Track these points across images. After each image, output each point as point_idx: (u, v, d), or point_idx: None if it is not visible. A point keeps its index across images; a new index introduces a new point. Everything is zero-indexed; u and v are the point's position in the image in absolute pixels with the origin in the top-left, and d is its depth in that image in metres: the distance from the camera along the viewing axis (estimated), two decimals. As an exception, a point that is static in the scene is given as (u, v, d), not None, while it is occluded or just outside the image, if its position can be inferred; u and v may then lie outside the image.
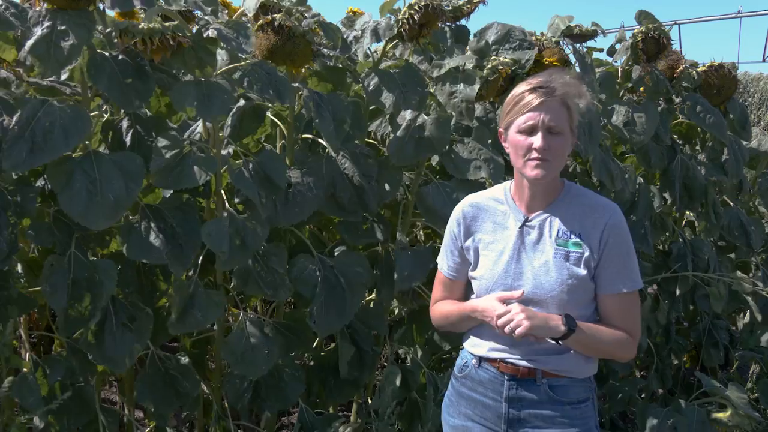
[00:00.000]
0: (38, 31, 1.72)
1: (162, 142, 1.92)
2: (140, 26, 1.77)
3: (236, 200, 2.16)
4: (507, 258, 1.59)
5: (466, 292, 1.74)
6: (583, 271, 1.54)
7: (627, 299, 1.58)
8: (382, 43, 2.39)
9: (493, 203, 1.67)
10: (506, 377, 1.60)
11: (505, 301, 1.56)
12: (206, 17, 1.93)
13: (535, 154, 1.50)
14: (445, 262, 1.75)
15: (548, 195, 1.60)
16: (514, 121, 1.54)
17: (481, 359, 1.65)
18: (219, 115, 1.87)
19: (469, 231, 1.67)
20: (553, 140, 1.51)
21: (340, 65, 2.41)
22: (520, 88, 1.55)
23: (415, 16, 2.20)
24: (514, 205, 1.63)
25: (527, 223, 1.59)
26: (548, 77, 1.54)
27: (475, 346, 1.67)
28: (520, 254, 1.58)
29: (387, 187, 2.35)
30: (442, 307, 1.76)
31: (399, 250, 2.33)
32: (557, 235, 1.56)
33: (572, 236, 1.55)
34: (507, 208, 1.64)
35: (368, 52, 2.46)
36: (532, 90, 1.52)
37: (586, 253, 1.54)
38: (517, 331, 1.46)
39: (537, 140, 1.50)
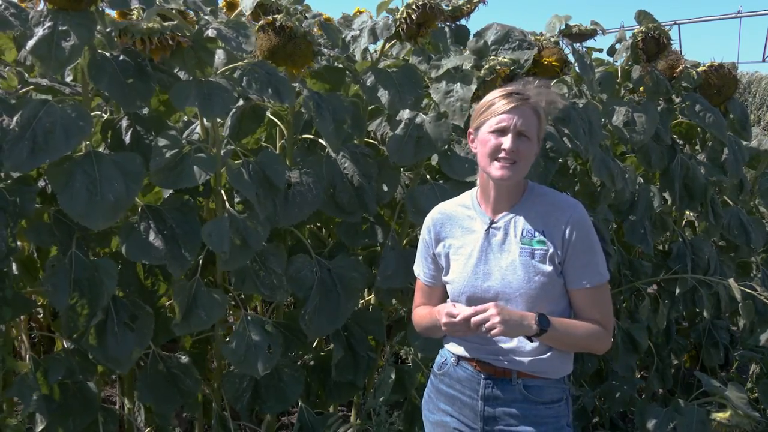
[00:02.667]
0: (39, 31, 1.72)
1: (162, 141, 1.92)
2: (140, 25, 1.78)
3: (236, 200, 2.16)
4: (475, 260, 1.63)
5: (446, 299, 1.76)
6: (548, 268, 1.57)
7: (596, 292, 1.61)
8: (379, 44, 2.39)
9: (461, 209, 1.71)
10: (483, 376, 1.64)
11: (472, 301, 1.60)
12: (206, 17, 1.93)
13: (503, 155, 1.56)
14: (421, 269, 1.79)
15: (512, 196, 1.64)
16: (486, 121, 1.59)
17: (460, 358, 1.70)
18: (220, 115, 1.88)
19: (439, 237, 1.72)
20: (521, 144, 1.56)
21: (340, 65, 2.41)
22: (495, 92, 1.62)
23: (413, 15, 2.20)
24: (480, 209, 1.68)
25: (493, 225, 1.64)
26: (523, 85, 1.61)
27: (454, 346, 1.72)
28: (487, 255, 1.62)
29: (385, 187, 2.35)
30: (418, 312, 1.81)
31: (387, 248, 2.32)
32: (522, 234, 1.60)
33: (536, 234, 1.59)
34: (474, 212, 1.69)
35: (368, 51, 2.45)
36: (507, 95, 1.58)
37: (551, 250, 1.58)
38: (492, 332, 1.49)
39: (507, 141, 1.55)
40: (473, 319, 1.51)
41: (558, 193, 1.69)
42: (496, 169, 1.57)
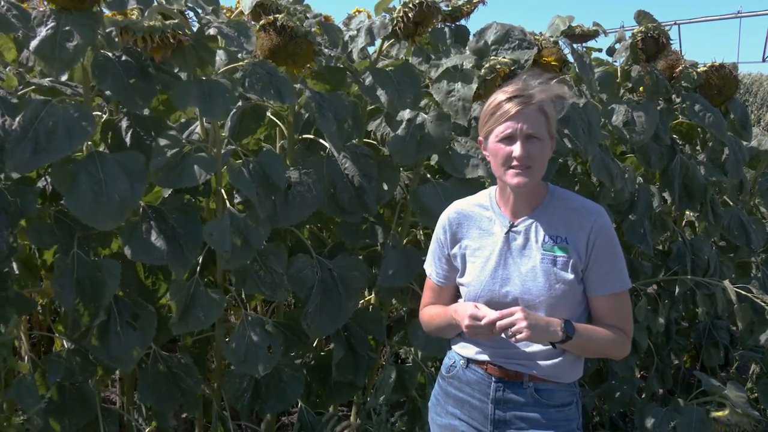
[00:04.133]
0: (42, 32, 1.73)
1: (162, 141, 1.92)
2: (141, 24, 1.78)
3: (236, 200, 2.16)
4: (494, 264, 1.60)
5: (455, 298, 1.75)
6: (570, 276, 1.54)
7: (618, 299, 1.59)
8: (377, 43, 2.39)
9: (479, 209, 1.67)
10: (493, 379, 1.62)
11: (490, 306, 1.55)
12: (207, 17, 1.94)
13: (515, 162, 1.52)
14: (433, 269, 1.75)
15: (532, 200, 1.60)
16: (492, 130, 1.55)
17: (469, 360, 1.67)
18: (221, 115, 1.88)
19: (456, 238, 1.68)
20: (532, 147, 1.52)
21: (341, 65, 2.41)
22: (497, 97, 1.56)
23: (410, 14, 2.20)
24: (499, 210, 1.64)
25: (513, 229, 1.60)
26: (524, 84, 1.55)
27: (463, 348, 1.69)
28: (506, 260, 1.59)
29: (385, 186, 2.35)
30: (429, 311, 1.77)
31: (389, 248, 2.33)
32: (543, 240, 1.57)
33: (558, 241, 1.55)
34: (492, 214, 1.65)
35: (367, 51, 2.46)
36: (509, 99, 1.53)
37: (573, 258, 1.54)
38: (517, 336, 1.46)
39: (516, 149, 1.51)
40: (499, 323, 1.48)
41: (580, 198, 1.64)
42: (511, 177, 1.53)
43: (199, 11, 2.03)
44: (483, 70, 2.20)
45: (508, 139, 1.52)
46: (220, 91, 1.85)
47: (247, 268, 2.06)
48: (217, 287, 2.16)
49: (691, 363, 3.67)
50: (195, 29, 1.90)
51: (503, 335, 1.49)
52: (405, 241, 2.55)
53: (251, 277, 2.07)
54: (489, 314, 1.49)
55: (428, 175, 2.46)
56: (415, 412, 2.54)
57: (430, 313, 1.76)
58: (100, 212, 1.77)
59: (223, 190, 2.11)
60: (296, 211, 2.09)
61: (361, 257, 2.44)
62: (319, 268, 2.20)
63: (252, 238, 1.96)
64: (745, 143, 3.29)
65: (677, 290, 3.08)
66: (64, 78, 2.09)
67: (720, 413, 2.65)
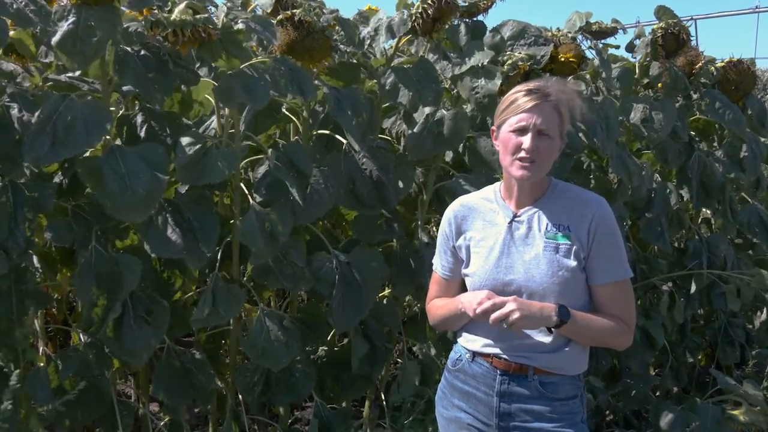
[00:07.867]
0: (64, 26, 1.73)
1: (184, 139, 1.92)
2: (172, 18, 1.78)
3: (258, 198, 2.16)
4: (497, 253, 1.63)
5: (461, 293, 1.76)
6: (573, 263, 1.57)
7: (618, 288, 1.62)
8: (394, 40, 2.38)
9: (483, 202, 1.72)
10: (498, 372, 1.64)
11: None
12: (234, 12, 1.94)
13: (522, 154, 1.56)
14: (439, 263, 1.79)
15: (535, 192, 1.64)
16: (506, 120, 1.59)
17: (475, 354, 1.69)
18: (263, 103, 1.89)
19: (460, 230, 1.72)
20: (541, 142, 1.55)
21: (355, 61, 2.40)
22: (517, 89, 1.61)
23: (429, 11, 2.20)
24: (503, 203, 1.68)
25: (516, 219, 1.64)
26: (546, 82, 1.60)
27: (469, 341, 1.71)
28: (510, 248, 1.62)
29: (400, 183, 2.35)
30: (436, 303, 1.81)
31: (423, 245, 2.35)
32: (546, 228, 1.60)
33: (561, 229, 1.59)
34: (496, 206, 1.69)
35: (383, 48, 2.45)
36: (528, 92, 1.57)
37: (575, 245, 1.58)
38: (512, 326, 1.51)
39: (526, 141, 1.55)
40: (492, 317, 1.52)
41: (582, 189, 1.69)
42: (516, 169, 1.58)
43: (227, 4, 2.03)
44: (506, 66, 2.20)
45: (520, 131, 1.57)
46: (257, 83, 1.87)
47: (268, 262, 2.07)
48: (233, 282, 2.17)
49: (706, 361, 3.65)
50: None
51: (503, 325, 1.52)
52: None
53: (273, 272, 2.08)
54: (483, 305, 1.53)
55: (451, 171, 2.46)
56: (427, 407, 2.54)
57: (437, 304, 1.79)
58: (128, 206, 1.79)
59: (243, 185, 2.11)
60: (314, 209, 2.10)
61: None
62: (338, 263, 2.20)
63: (276, 233, 1.98)
64: (762, 139, 3.25)
65: (693, 288, 3.06)
66: (79, 73, 2.10)
67: (736, 412, 2.63)
